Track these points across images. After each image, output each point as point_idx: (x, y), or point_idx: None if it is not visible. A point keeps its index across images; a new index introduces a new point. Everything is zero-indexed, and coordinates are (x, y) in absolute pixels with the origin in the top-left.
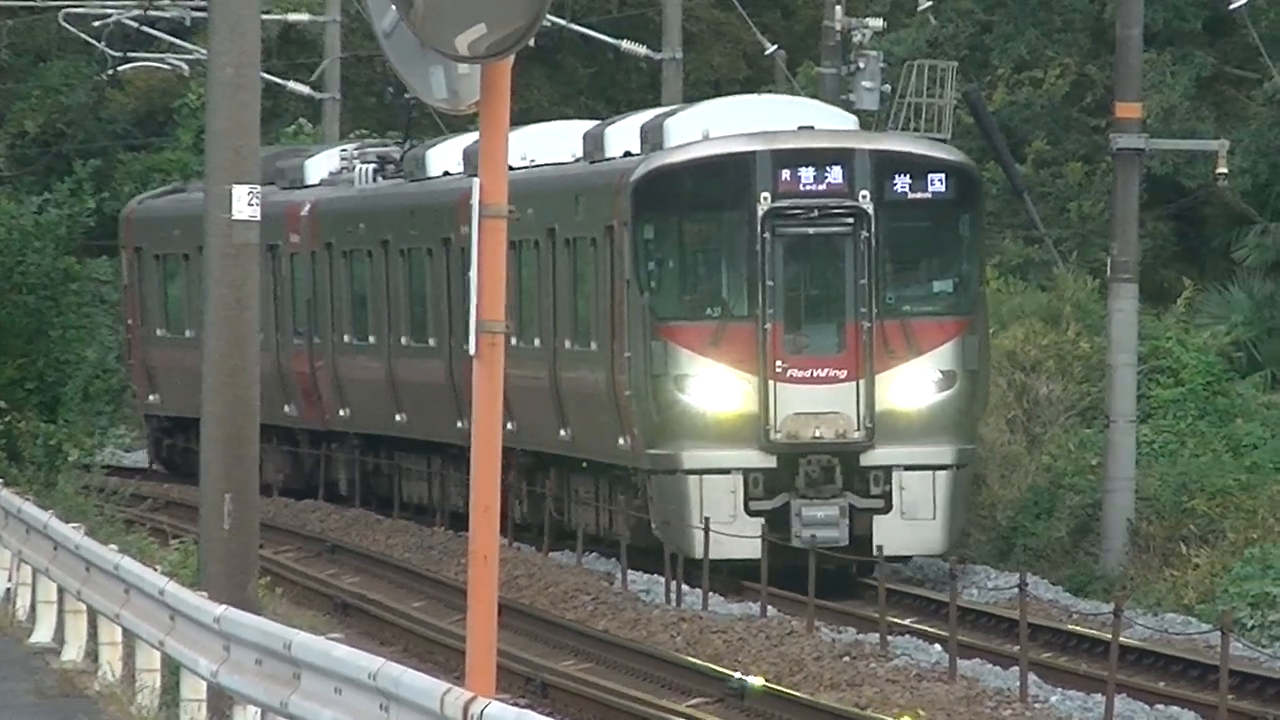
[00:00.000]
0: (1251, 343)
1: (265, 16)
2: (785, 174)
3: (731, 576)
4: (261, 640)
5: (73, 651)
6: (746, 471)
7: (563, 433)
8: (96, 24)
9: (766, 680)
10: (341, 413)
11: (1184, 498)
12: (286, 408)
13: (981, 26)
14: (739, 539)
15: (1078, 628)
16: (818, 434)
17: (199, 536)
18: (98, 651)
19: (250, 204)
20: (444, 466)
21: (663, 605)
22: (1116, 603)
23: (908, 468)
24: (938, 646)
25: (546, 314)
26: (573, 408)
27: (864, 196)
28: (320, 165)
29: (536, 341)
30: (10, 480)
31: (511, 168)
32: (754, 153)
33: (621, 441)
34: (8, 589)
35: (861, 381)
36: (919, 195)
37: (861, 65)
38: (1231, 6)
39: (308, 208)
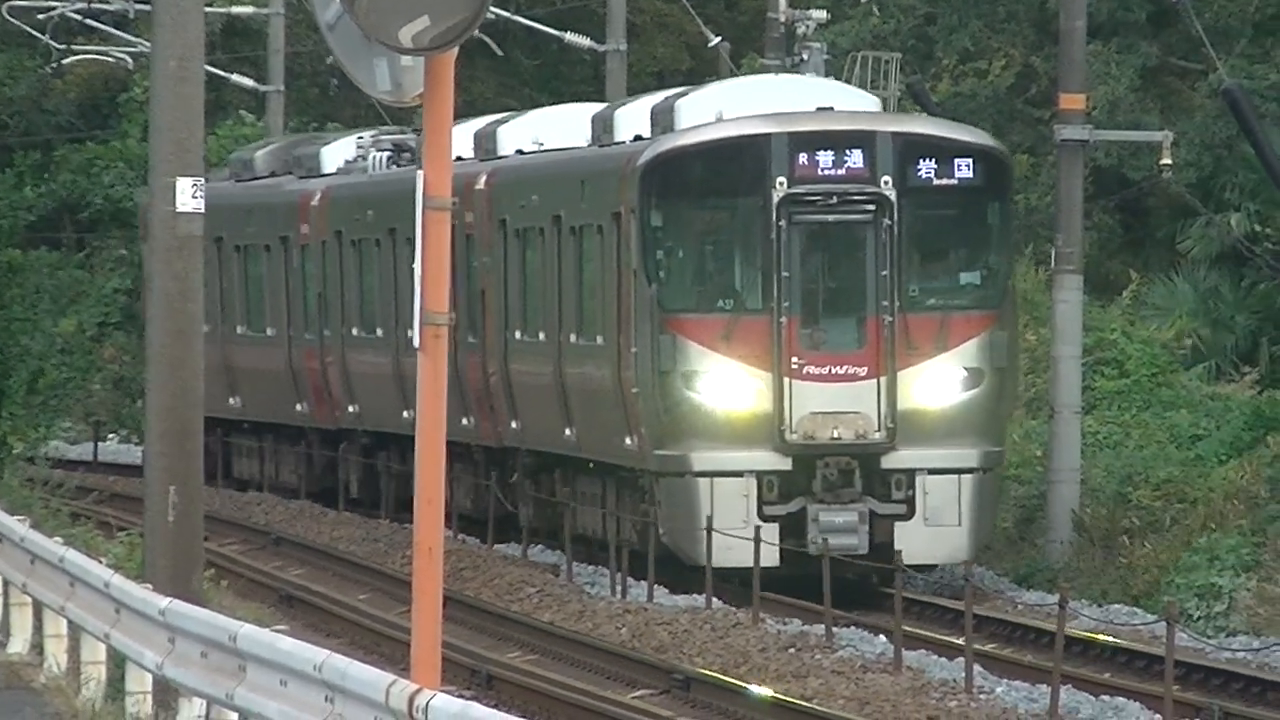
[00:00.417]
0: (1196, 334)
1: (208, 9)
2: (802, 158)
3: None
4: (207, 633)
5: (18, 644)
6: (760, 474)
7: (568, 432)
8: (41, 16)
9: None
10: (350, 410)
11: (1128, 489)
12: (298, 406)
13: (926, 18)
14: (752, 546)
15: (1023, 619)
16: (836, 435)
17: (144, 529)
18: (43, 644)
19: (195, 196)
20: (449, 467)
21: (608, 597)
22: (1062, 594)
23: (932, 471)
24: (882, 638)
25: (551, 306)
26: (578, 406)
27: (886, 182)
28: (336, 153)
29: (541, 336)
30: None
31: (522, 153)
32: (769, 135)
33: (628, 441)
34: None
35: (883, 379)
36: (945, 181)
37: (805, 57)
38: None
39: (318, 196)
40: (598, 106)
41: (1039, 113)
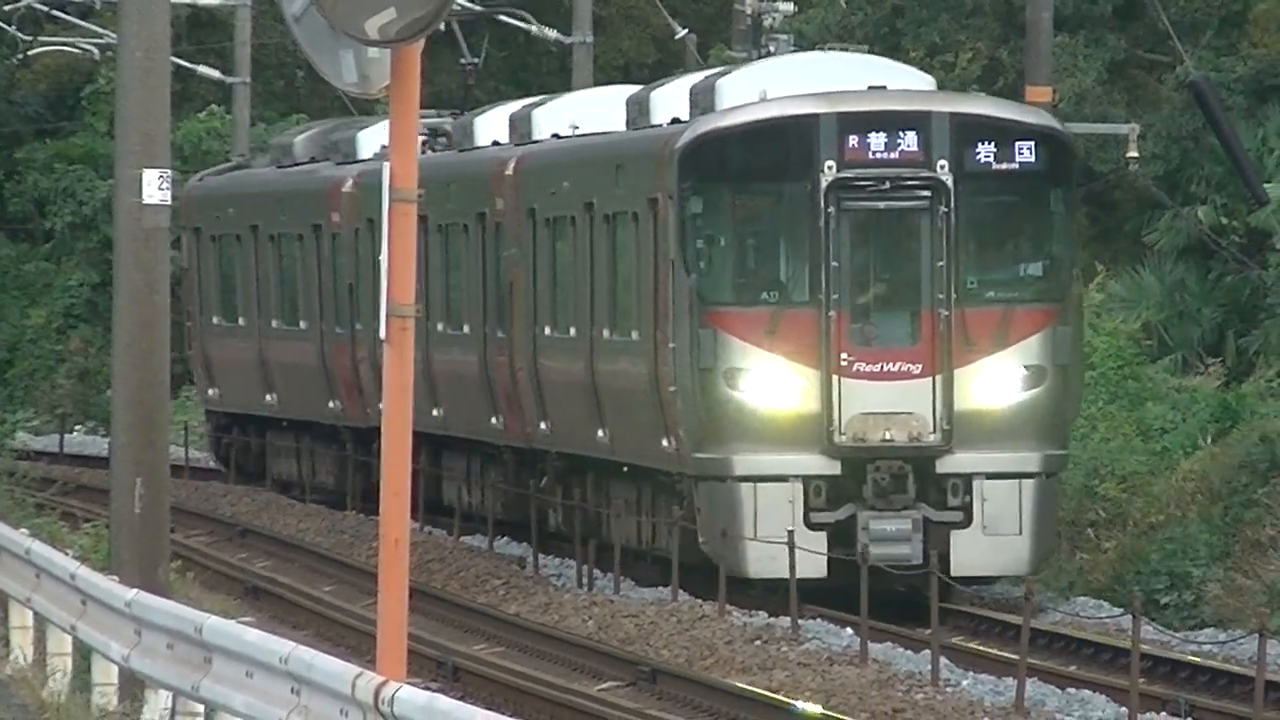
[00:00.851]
0: (1162, 327)
1: (175, 0)
2: (853, 140)
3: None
4: (173, 624)
5: None
6: (807, 479)
7: (600, 433)
8: (7, 8)
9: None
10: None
11: (1094, 482)
12: (331, 404)
13: (893, 10)
14: (799, 555)
15: (989, 612)
16: (888, 436)
17: (110, 521)
18: (9, 635)
19: (160, 188)
20: (483, 467)
21: (574, 589)
22: (1028, 587)
23: (990, 476)
24: (849, 630)
25: (583, 299)
26: (611, 406)
27: (942, 166)
28: (373, 138)
29: (572, 331)
30: None
31: (558, 137)
32: (817, 115)
33: (665, 444)
34: None
35: (938, 377)
36: (1005, 165)
37: (772, 49)
38: None
39: (350, 183)
40: (637, 88)
41: None
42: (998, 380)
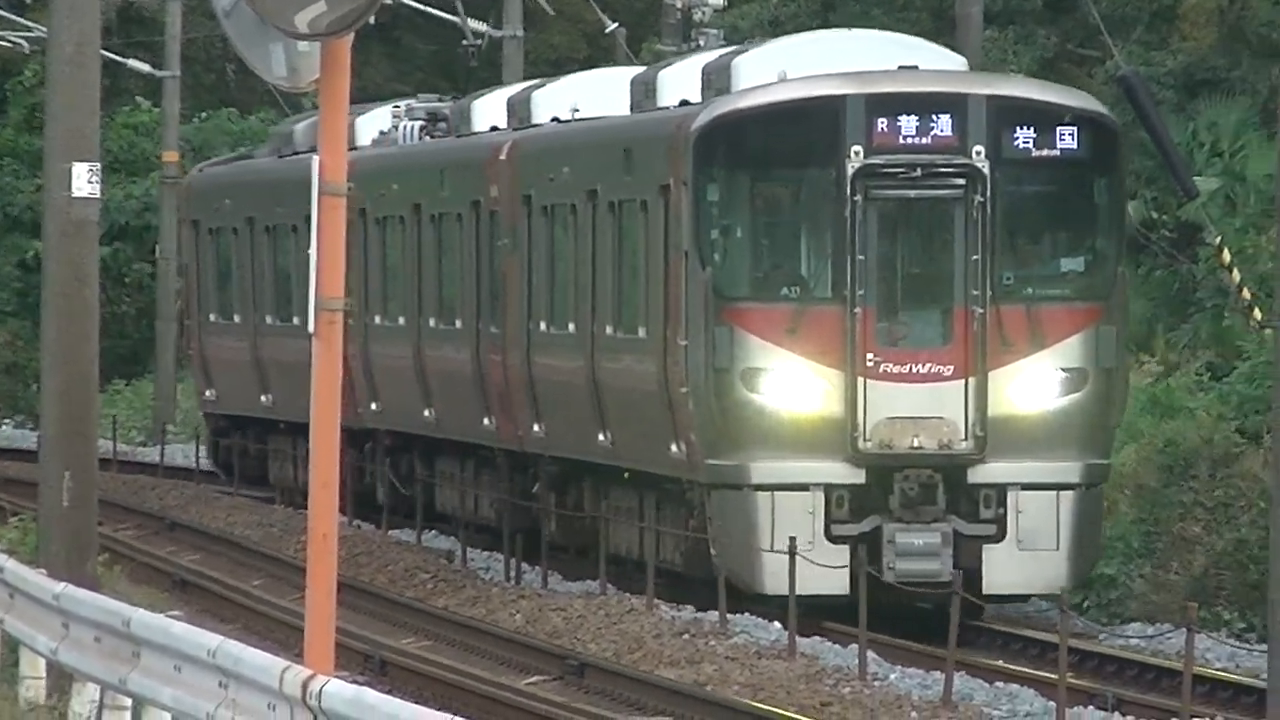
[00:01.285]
0: None
1: None
2: (882, 123)
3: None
4: (101, 618)
5: None
6: (829, 488)
7: (601, 437)
8: None
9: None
10: (373, 407)
11: None
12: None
13: (825, 4)
14: (819, 570)
15: (918, 606)
16: (917, 443)
17: (38, 514)
18: None
19: (90, 181)
20: (477, 471)
21: (502, 583)
22: (954, 581)
23: (1026, 487)
24: (777, 624)
25: (584, 293)
26: (614, 407)
27: (978, 152)
28: (371, 124)
29: (570, 327)
30: None
31: (558, 120)
32: (844, 96)
33: (674, 449)
34: None
35: (971, 380)
36: (1046, 152)
37: (702, 43)
38: None
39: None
40: (641, 69)
41: None
42: (1035, 383)
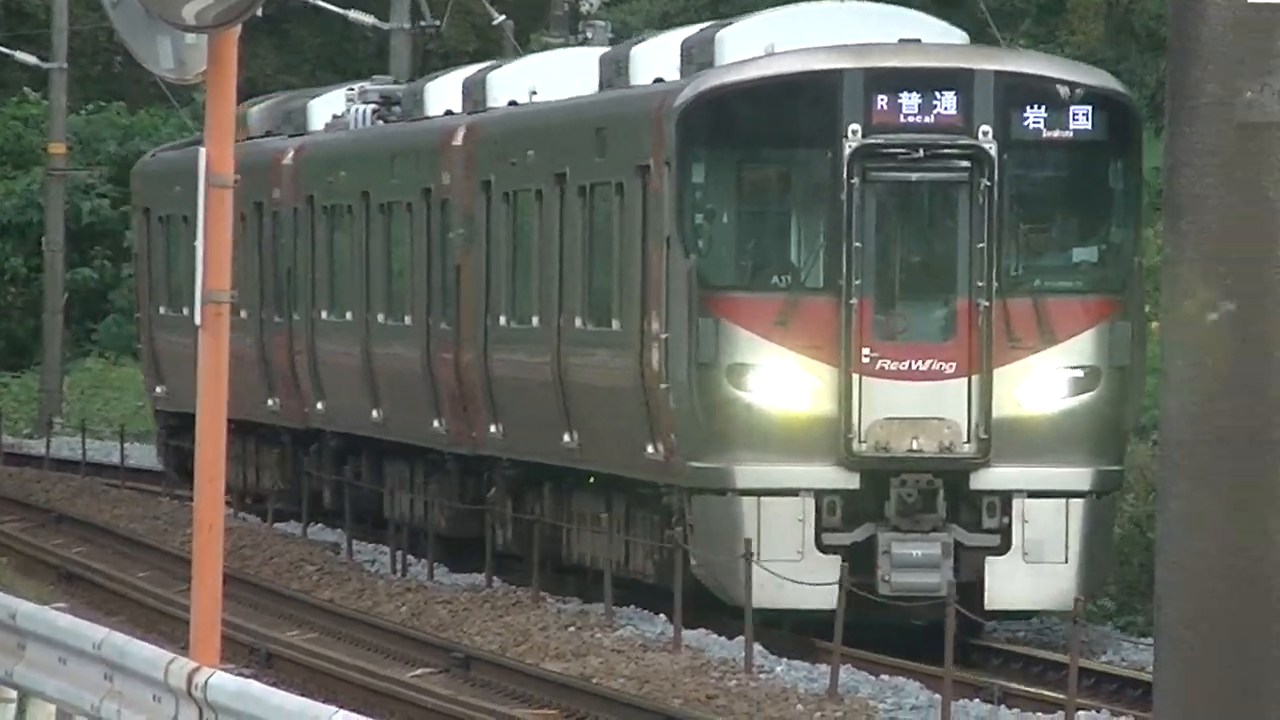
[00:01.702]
0: None
1: None
2: (881, 100)
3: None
4: None
5: None
6: (820, 493)
7: (566, 438)
8: None
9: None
10: (319, 407)
11: None
12: (270, 402)
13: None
14: (808, 583)
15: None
16: (916, 446)
17: None
18: None
19: None
20: (427, 476)
21: (388, 575)
22: (841, 574)
23: (1033, 494)
24: (662, 617)
25: (550, 284)
26: (582, 406)
27: (985, 133)
28: (325, 108)
29: (534, 320)
30: None
31: (515, 103)
32: (841, 71)
33: (650, 450)
34: None
35: (975, 378)
36: (1058, 133)
37: (590, 36)
38: None
39: (290, 155)
40: (605, 50)
41: None
42: (1044, 382)
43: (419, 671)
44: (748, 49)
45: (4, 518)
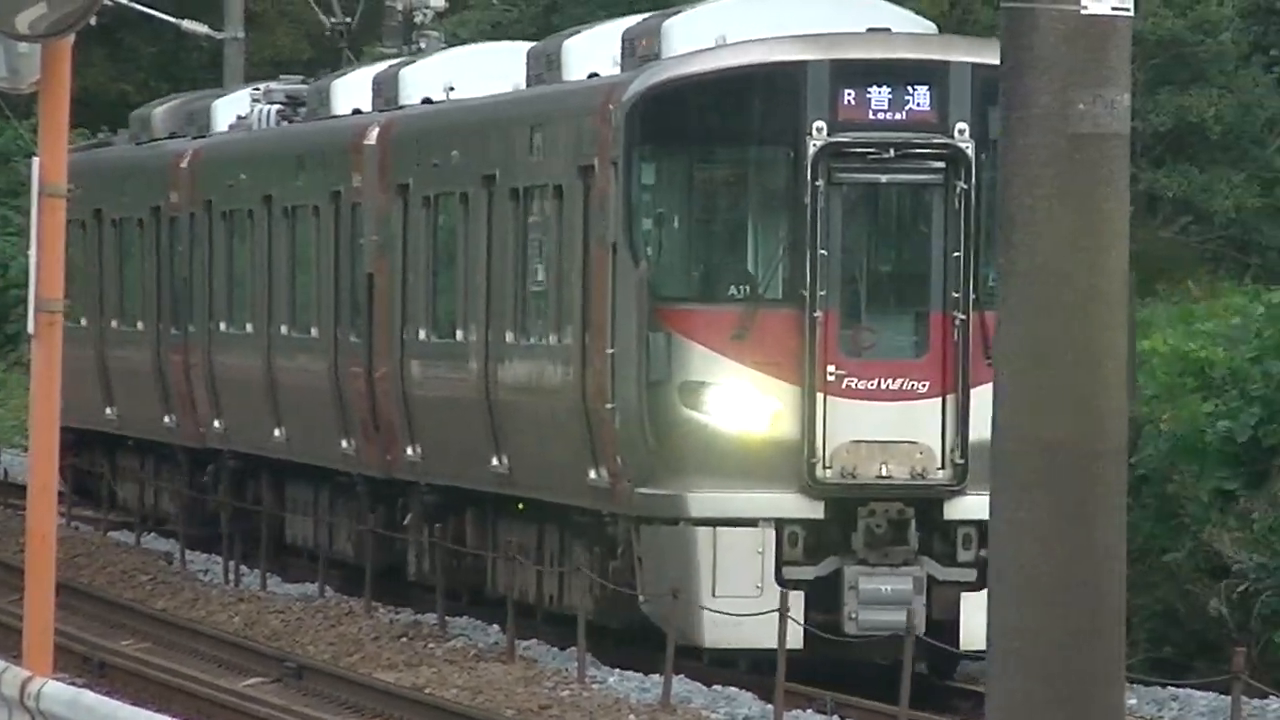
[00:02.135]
0: None
1: None
2: (849, 95)
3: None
4: None
5: None
6: (781, 523)
7: (495, 461)
8: None
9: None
10: (216, 425)
11: None
12: (167, 419)
13: (547, 8)
14: (767, 621)
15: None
16: (885, 472)
17: None
18: None
19: None
20: (332, 499)
21: (221, 585)
22: (673, 585)
23: None
24: (495, 627)
25: (475, 295)
26: (514, 427)
27: (961, 131)
28: (230, 108)
29: (458, 334)
30: None
31: (430, 101)
32: (804, 63)
33: (593, 475)
34: None
35: (949, 398)
36: None
37: (423, 45)
38: None
39: (188, 158)
40: (526, 45)
41: None
42: None
43: (252, 681)
44: (697, 39)
45: None
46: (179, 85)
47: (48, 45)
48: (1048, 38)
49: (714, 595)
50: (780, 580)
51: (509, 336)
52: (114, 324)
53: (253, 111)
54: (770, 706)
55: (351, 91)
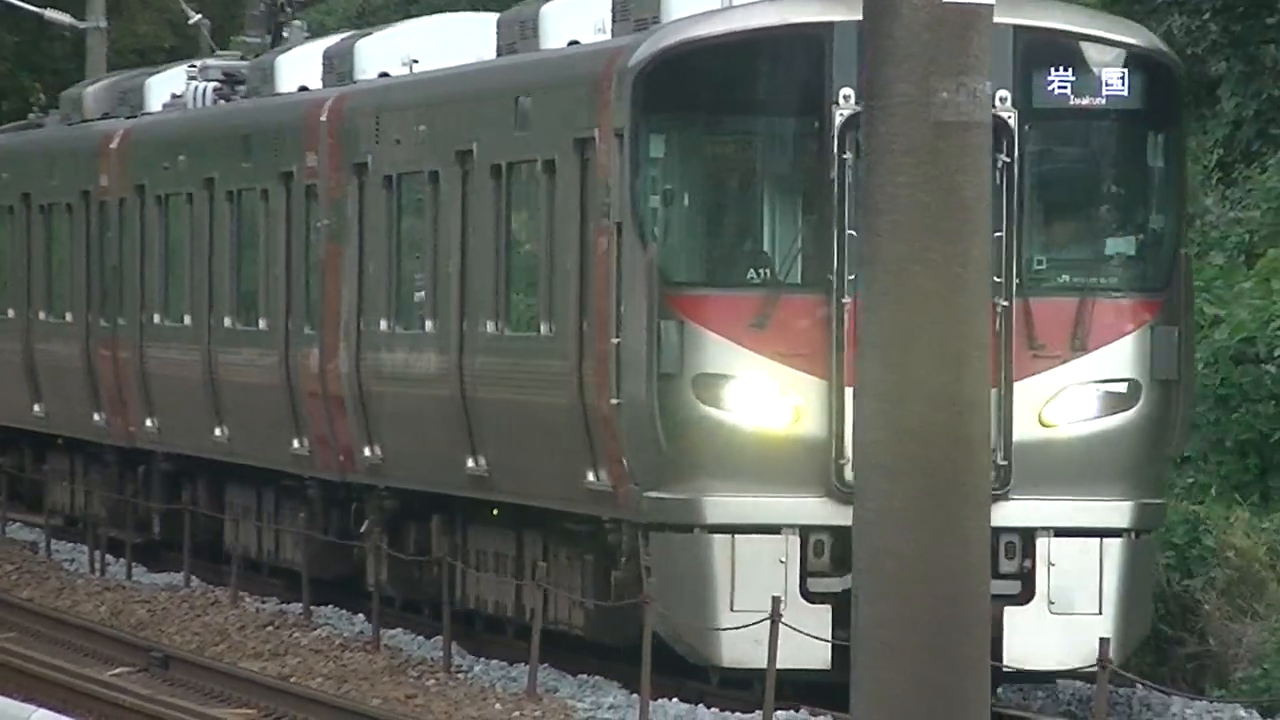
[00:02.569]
0: None
1: None
2: None
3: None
4: None
5: None
6: (806, 530)
7: (471, 463)
8: None
9: None
10: (148, 424)
11: None
12: (96, 417)
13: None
14: (793, 638)
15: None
16: None
17: None
18: None
19: None
20: (279, 502)
21: (87, 574)
22: (538, 578)
23: (1060, 532)
24: (361, 616)
25: (448, 282)
26: (492, 425)
27: (1002, 99)
28: (164, 86)
29: (427, 325)
30: None
31: (386, 75)
32: (830, 24)
33: (591, 478)
34: None
35: (991, 392)
36: (1088, 100)
37: (286, 35)
38: None
39: (119, 138)
40: (490, 16)
41: None
42: (1073, 399)
43: (118, 670)
44: (700, 2)
45: None
46: (41, 75)
47: None
48: (910, 26)
49: (732, 610)
50: (805, 593)
51: (489, 327)
52: (41, 315)
53: (188, 89)
54: (635, 695)
55: (298, 67)
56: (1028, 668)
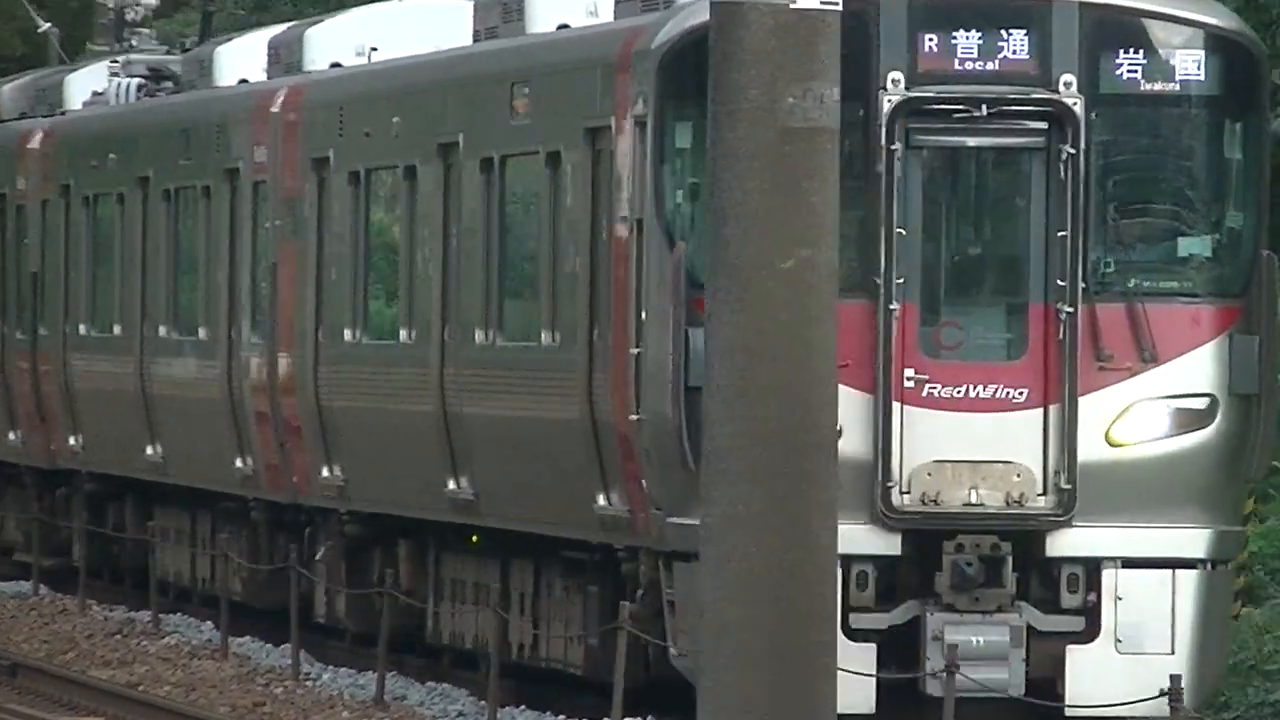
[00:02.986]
0: None
1: None
2: (930, 41)
3: None
4: None
5: None
6: (849, 560)
7: (452, 484)
8: None
9: None
10: (72, 442)
11: None
12: (11, 435)
13: (258, 5)
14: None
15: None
16: (975, 498)
17: None
18: None
19: None
20: (216, 528)
21: None
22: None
23: (1128, 562)
24: (209, 624)
25: (424, 287)
26: (483, 444)
27: (1068, 85)
28: (84, 83)
29: (402, 334)
30: None
31: (338, 65)
32: (877, 2)
33: (602, 503)
34: None
35: (1052, 408)
36: (1160, 85)
37: (135, 43)
38: None
39: (38, 138)
40: (449, 2)
41: None
42: (1144, 415)
43: None
44: None
45: None
46: None
47: None
48: (757, 32)
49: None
50: (848, 630)
51: (478, 337)
52: None
53: (110, 86)
54: (484, 703)
55: (239, 59)
56: (1092, 712)
